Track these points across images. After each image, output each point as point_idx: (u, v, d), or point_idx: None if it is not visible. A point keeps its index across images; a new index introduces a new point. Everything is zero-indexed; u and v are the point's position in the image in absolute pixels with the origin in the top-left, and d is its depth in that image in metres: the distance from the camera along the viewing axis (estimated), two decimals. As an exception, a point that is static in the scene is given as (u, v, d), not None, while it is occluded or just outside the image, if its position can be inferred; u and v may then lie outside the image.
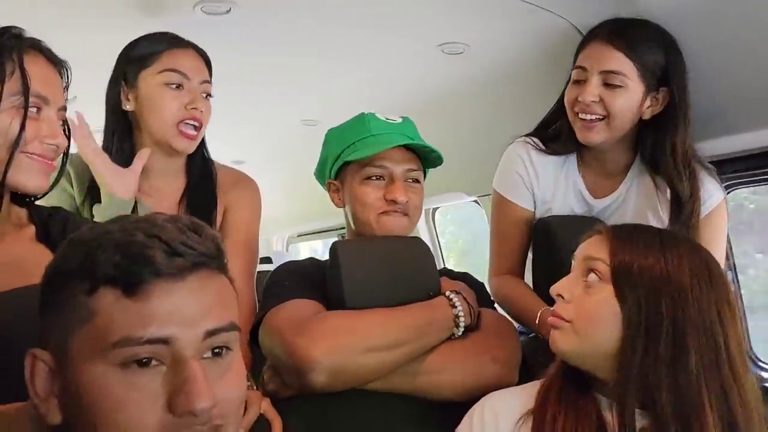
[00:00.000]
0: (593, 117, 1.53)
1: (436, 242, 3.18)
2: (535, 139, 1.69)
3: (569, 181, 1.69)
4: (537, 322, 1.49)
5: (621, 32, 1.52)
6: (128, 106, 1.55)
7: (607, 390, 1.08)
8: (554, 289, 1.12)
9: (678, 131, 1.55)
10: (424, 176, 1.49)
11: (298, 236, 4.40)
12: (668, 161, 1.56)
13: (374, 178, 1.41)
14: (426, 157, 1.46)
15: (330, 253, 1.32)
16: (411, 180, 1.43)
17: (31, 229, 1.17)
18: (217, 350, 0.77)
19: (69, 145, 1.17)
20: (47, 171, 1.10)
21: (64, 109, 1.12)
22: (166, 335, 0.72)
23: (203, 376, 0.73)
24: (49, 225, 1.17)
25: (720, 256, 1.59)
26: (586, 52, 1.55)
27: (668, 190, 1.59)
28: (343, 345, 1.19)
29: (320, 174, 1.55)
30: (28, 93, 1.03)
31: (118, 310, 0.72)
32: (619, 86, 1.51)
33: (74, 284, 0.75)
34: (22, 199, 1.18)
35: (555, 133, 1.69)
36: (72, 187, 1.57)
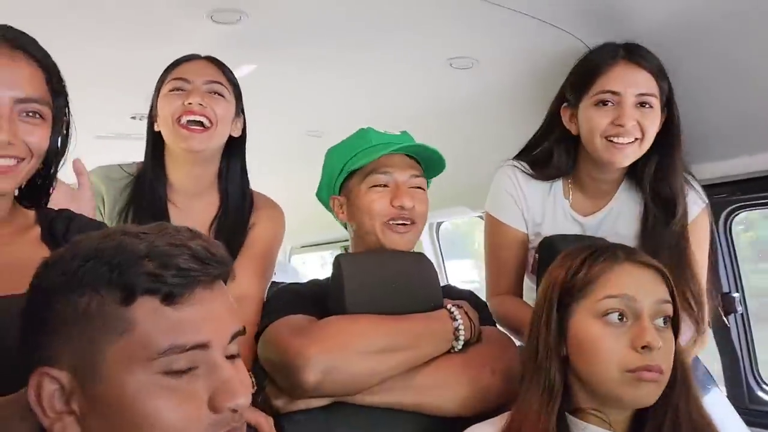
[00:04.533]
0: (629, 140, 1.54)
1: (440, 257, 3.17)
2: (523, 163, 1.71)
3: (557, 205, 1.71)
4: None
5: (642, 55, 1.55)
6: (156, 127, 1.60)
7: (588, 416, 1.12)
8: (656, 342, 1.06)
9: (679, 149, 1.59)
10: (427, 185, 1.50)
11: (301, 247, 4.39)
12: (676, 181, 1.59)
13: (379, 186, 1.41)
14: (427, 166, 1.47)
15: (333, 265, 1.32)
16: (415, 187, 1.43)
17: (36, 231, 1.16)
18: (231, 355, 0.80)
19: (58, 144, 1.12)
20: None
21: (32, 101, 1.03)
22: (205, 341, 0.76)
23: (238, 375, 0.78)
24: (54, 225, 1.16)
25: (703, 265, 1.63)
26: (614, 75, 1.55)
27: (650, 203, 1.62)
28: (338, 346, 1.19)
29: (323, 192, 1.56)
30: None
31: (159, 319, 0.74)
32: (651, 107, 1.54)
33: (102, 297, 0.74)
34: (31, 200, 1.17)
35: (544, 157, 1.70)
36: (103, 205, 1.59)
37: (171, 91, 1.56)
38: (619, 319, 1.09)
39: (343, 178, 1.47)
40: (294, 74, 2.09)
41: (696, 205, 1.62)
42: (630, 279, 1.12)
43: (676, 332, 1.14)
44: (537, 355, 1.14)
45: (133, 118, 2.54)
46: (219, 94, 1.58)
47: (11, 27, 1.06)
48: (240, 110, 1.65)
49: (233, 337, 0.79)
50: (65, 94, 1.14)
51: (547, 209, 1.71)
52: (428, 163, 1.47)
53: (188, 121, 1.53)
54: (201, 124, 1.54)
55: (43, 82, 1.07)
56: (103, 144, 2.77)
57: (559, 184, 1.71)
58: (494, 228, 1.75)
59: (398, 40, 1.84)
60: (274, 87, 2.18)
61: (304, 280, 1.53)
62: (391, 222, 1.40)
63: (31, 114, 1.05)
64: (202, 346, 0.75)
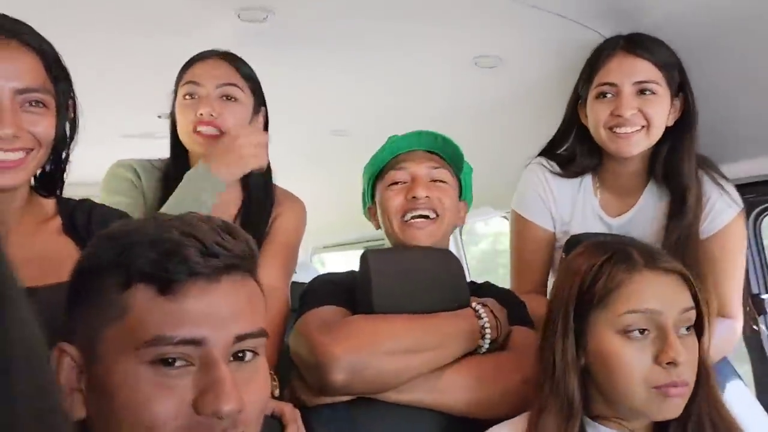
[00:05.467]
0: (633, 129, 1.53)
1: (463, 257, 3.16)
2: (552, 162, 1.70)
3: (586, 202, 1.70)
4: None
5: (640, 43, 1.55)
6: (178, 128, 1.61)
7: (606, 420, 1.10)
8: (681, 357, 1.02)
9: (693, 136, 1.57)
10: (461, 183, 1.49)
11: (324, 247, 4.40)
12: (686, 167, 1.57)
13: (397, 184, 1.42)
14: (451, 158, 1.46)
15: (360, 261, 1.32)
16: (437, 181, 1.42)
17: (57, 222, 1.14)
18: (241, 354, 0.77)
19: (66, 130, 1.11)
20: (7, 168, 1.01)
21: (33, 90, 1.01)
22: (198, 336, 0.73)
23: (232, 379, 0.73)
24: (75, 216, 1.15)
25: (735, 274, 1.60)
26: (611, 67, 1.55)
27: (670, 198, 1.60)
28: (365, 345, 1.19)
29: (364, 207, 1.58)
30: None
31: (152, 308, 0.72)
32: (654, 93, 1.53)
33: (107, 280, 0.75)
34: (47, 190, 1.16)
35: (569, 156, 1.70)
36: (138, 180, 1.60)
37: (185, 97, 1.56)
38: (640, 332, 1.05)
39: (372, 187, 1.49)
40: (319, 73, 2.10)
41: (731, 209, 1.59)
42: (652, 290, 1.06)
43: (700, 335, 1.10)
44: (554, 368, 1.09)
45: (160, 117, 2.56)
46: (232, 97, 1.56)
47: (6, 16, 1.03)
48: (260, 104, 1.63)
49: (241, 338, 0.76)
50: (67, 79, 1.11)
51: (576, 207, 1.70)
52: (450, 157, 1.46)
53: (203, 130, 1.54)
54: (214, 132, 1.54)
55: (41, 69, 1.04)
56: (129, 142, 2.80)
57: (588, 181, 1.70)
58: (521, 226, 1.74)
59: (423, 40, 1.84)
60: (299, 85, 2.18)
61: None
62: (408, 217, 1.40)
63: (33, 104, 1.03)
64: (195, 342, 0.72)
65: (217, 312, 0.74)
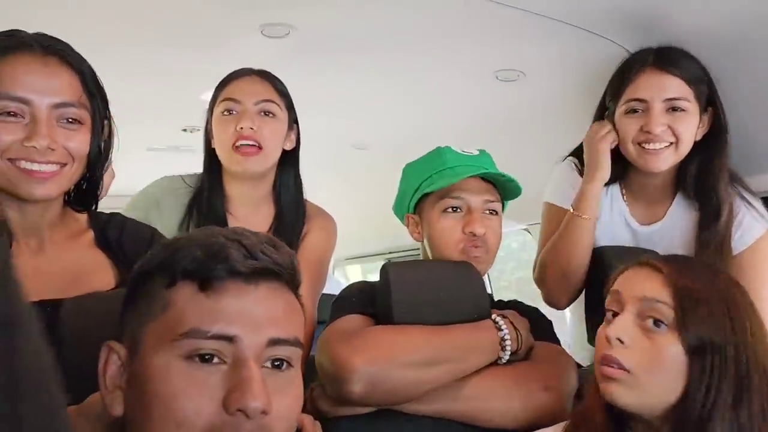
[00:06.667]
0: (662, 145, 1.53)
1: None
2: (582, 167, 1.68)
3: (614, 208, 1.69)
4: None
5: (670, 58, 1.54)
6: (212, 144, 1.63)
7: (646, 428, 1.04)
8: (614, 333, 1.02)
9: (726, 150, 1.56)
10: (503, 208, 1.47)
11: (346, 259, 4.41)
12: (720, 183, 1.56)
13: (452, 209, 1.39)
14: (504, 188, 1.43)
15: (381, 273, 1.32)
16: (489, 211, 1.40)
17: (90, 235, 1.18)
18: (277, 362, 0.78)
19: (101, 146, 1.13)
20: (42, 178, 1.03)
21: (69, 105, 1.04)
22: (230, 333, 0.74)
23: (261, 379, 0.74)
24: (107, 230, 1.18)
25: (765, 292, 1.56)
26: (641, 83, 1.54)
27: (700, 214, 1.58)
28: (383, 357, 1.19)
29: (398, 208, 1.55)
30: None
31: (191, 304, 0.75)
32: (683, 110, 1.52)
33: (156, 280, 0.79)
34: (80, 204, 1.18)
35: None
36: (156, 212, 1.62)
37: (223, 113, 1.59)
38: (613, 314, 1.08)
39: (417, 198, 1.46)
40: (340, 87, 2.12)
41: (759, 224, 1.58)
42: (627, 276, 1.09)
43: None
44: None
45: (185, 130, 2.60)
46: (270, 113, 1.59)
47: (45, 34, 1.07)
48: (293, 121, 1.66)
49: (275, 342, 0.77)
50: (103, 96, 1.13)
51: (603, 212, 1.68)
52: (504, 186, 1.43)
53: (241, 145, 1.56)
54: (252, 146, 1.57)
55: (79, 86, 1.07)
56: (155, 156, 2.84)
57: (615, 189, 1.69)
58: (554, 216, 1.70)
59: (444, 54, 1.85)
60: (321, 99, 2.20)
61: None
62: (464, 251, 1.38)
63: (70, 120, 1.06)
64: (227, 338, 0.74)
65: (252, 313, 0.76)
